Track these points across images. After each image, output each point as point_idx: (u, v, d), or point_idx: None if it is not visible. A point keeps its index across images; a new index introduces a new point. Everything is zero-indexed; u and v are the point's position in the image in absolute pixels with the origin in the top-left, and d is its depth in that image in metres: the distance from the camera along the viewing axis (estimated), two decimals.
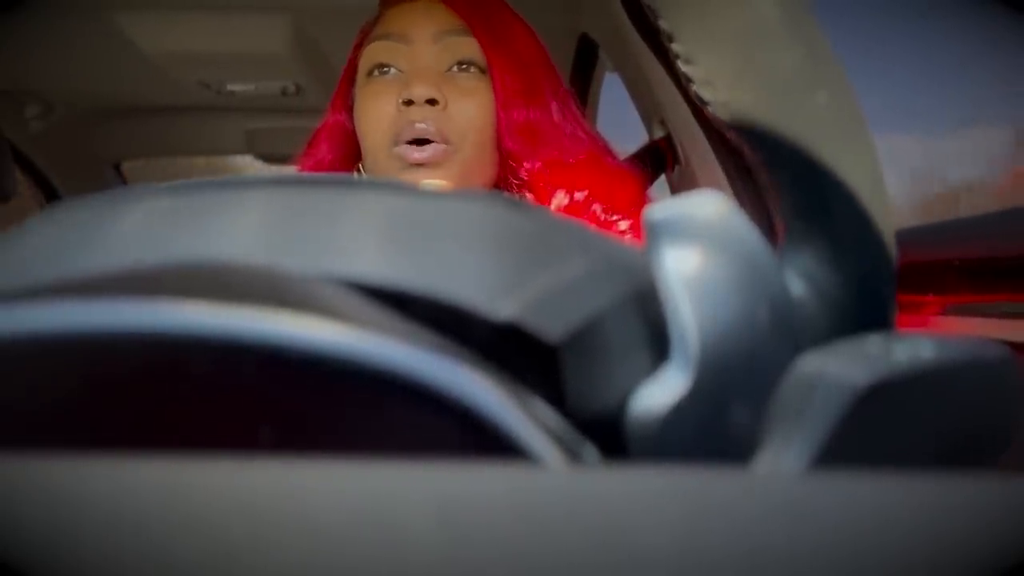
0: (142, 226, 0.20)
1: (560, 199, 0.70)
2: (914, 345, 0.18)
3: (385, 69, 0.71)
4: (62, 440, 0.14)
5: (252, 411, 0.15)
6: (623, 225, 0.69)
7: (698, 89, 0.25)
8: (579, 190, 0.70)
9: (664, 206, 0.20)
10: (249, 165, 1.87)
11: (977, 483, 0.13)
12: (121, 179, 1.83)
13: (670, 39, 0.25)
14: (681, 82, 0.26)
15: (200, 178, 0.22)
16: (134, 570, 0.10)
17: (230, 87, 1.49)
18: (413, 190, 0.21)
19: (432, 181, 0.68)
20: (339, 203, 0.20)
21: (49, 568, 0.09)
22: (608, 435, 0.19)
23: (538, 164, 0.70)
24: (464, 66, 0.70)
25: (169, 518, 0.10)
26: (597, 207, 0.70)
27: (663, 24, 0.25)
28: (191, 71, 1.41)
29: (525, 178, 0.71)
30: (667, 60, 0.85)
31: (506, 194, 0.71)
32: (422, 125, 0.67)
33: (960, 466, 0.19)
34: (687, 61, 0.25)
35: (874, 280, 0.22)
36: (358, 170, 0.76)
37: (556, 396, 0.18)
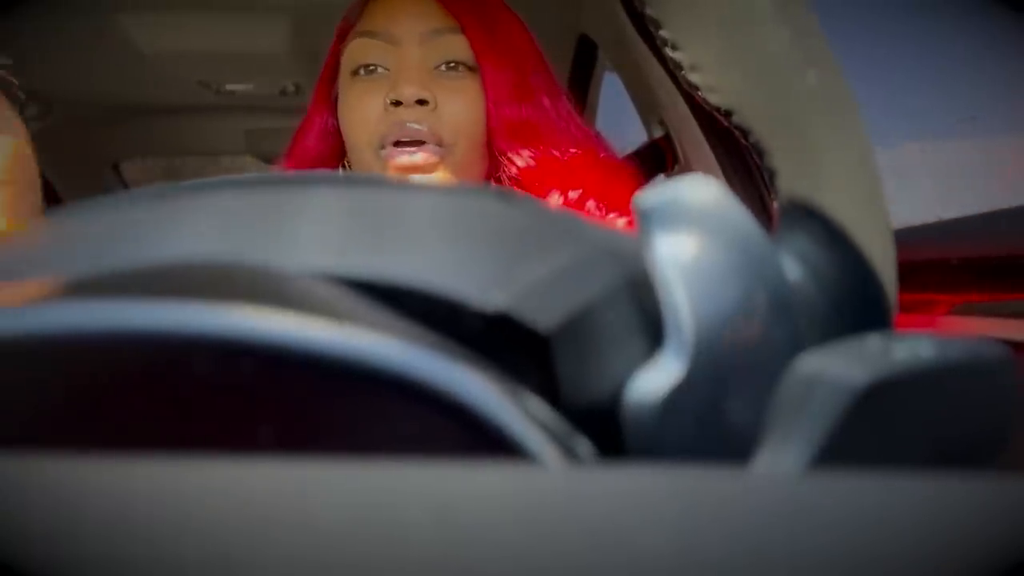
0: (137, 228, 0.20)
1: (555, 199, 0.68)
2: (914, 345, 0.18)
3: (371, 68, 0.68)
4: (62, 440, 0.14)
5: (250, 411, 0.15)
6: (620, 223, 0.69)
7: (688, 75, 0.24)
8: (573, 188, 0.68)
9: (655, 191, 0.19)
10: (249, 165, 1.87)
11: (977, 483, 0.13)
12: (120, 179, 1.83)
13: (657, 26, 0.25)
14: (678, 79, 0.25)
15: (197, 179, 0.22)
16: (134, 570, 0.10)
17: (229, 87, 1.49)
18: (401, 184, 0.21)
19: (423, 176, 0.67)
20: (327, 199, 0.20)
21: (49, 568, 0.09)
22: (603, 426, 0.19)
23: (532, 161, 0.69)
24: (452, 64, 0.68)
25: (169, 518, 0.10)
26: (592, 204, 0.68)
27: (649, 11, 0.25)
28: (191, 71, 1.41)
29: (518, 175, 0.70)
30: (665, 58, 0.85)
31: (495, 185, 0.70)
32: (414, 125, 0.65)
33: (960, 466, 0.19)
34: (675, 47, 0.24)
35: (870, 260, 0.22)
36: (343, 167, 0.74)
37: (549, 387, 0.18)
